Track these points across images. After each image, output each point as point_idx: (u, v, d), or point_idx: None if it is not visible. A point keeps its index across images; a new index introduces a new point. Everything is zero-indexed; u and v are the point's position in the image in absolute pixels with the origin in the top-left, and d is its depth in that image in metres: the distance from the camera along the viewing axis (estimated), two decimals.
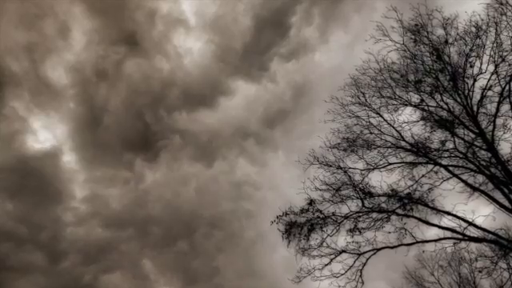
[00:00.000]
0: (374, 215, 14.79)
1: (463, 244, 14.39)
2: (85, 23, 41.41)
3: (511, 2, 14.00)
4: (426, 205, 14.57)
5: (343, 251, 14.70)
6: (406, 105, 15.73)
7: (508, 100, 14.31)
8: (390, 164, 15.49)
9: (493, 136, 14.23)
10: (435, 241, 13.95)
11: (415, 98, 15.66)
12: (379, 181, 15.18)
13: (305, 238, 14.99)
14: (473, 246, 15.21)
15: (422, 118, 15.70)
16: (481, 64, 14.70)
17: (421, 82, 15.42)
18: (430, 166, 15.23)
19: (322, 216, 14.98)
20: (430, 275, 21.16)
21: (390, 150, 15.57)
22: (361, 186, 15.19)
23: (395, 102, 15.76)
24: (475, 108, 14.78)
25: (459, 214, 13.83)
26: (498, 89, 14.49)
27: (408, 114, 15.82)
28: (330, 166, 15.60)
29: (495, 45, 14.40)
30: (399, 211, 14.65)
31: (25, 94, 41.31)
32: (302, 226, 15.06)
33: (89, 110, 42.60)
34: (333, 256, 14.70)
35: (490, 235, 13.47)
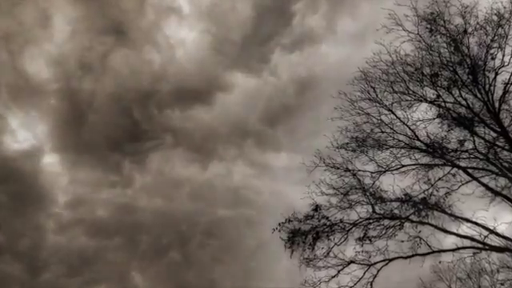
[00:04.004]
0: (386, 222, 14.78)
1: (484, 254, 14.38)
2: (67, 11, 41.22)
3: None
4: (443, 211, 14.55)
5: (352, 262, 14.69)
6: (421, 101, 15.68)
7: None
8: (404, 166, 15.45)
9: None
10: (453, 250, 13.97)
11: (431, 94, 15.60)
12: (391, 184, 15.13)
13: (310, 248, 14.99)
14: (494, 255, 15.13)
15: (439, 116, 15.65)
16: (503, 56, 14.66)
17: (437, 75, 15.38)
18: (448, 169, 15.21)
19: (328, 223, 14.97)
20: None
21: (403, 150, 15.53)
22: (371, 190, 15.18)
23: (409, 98, 15.70)
24: (497, 104, 14.73)
25: (479, 221, 13.82)
26: None
27: (423, 111, 15.73)
28: (338, 168, 15.57)
29: None
30: (413, 218, 14.63)
31: (1, 89, 41.23)
32: (306, 234, 15.05)
33: (72, 107, 42.32)
34: (340, 267, 14.70)
35: None
